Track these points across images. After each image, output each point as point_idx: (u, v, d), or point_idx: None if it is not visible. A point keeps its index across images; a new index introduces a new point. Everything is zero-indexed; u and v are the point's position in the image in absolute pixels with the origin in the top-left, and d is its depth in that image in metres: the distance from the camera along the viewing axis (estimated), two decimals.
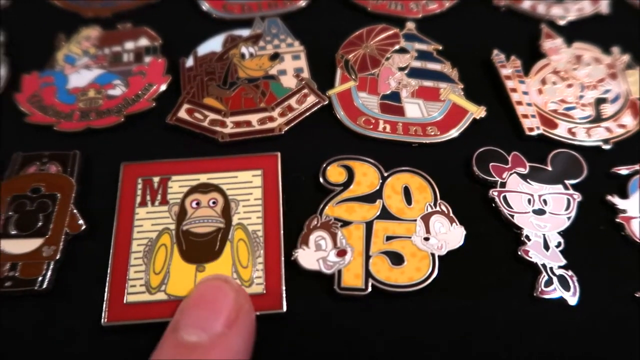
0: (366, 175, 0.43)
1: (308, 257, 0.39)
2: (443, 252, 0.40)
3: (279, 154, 0.44)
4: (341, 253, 0.39)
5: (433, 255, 0.40)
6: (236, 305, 0.30)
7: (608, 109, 0.47)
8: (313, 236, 0.40)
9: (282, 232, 0.40)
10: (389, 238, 0.40)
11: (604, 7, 0.54)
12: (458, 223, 0.40)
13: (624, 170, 0.43)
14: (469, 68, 0.50)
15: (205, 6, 0.55)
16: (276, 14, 0.54)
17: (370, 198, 0.42)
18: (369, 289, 0.38)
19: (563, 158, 0.44)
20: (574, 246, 0.41)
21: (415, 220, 0.41)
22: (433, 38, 0.52)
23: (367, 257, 0.39)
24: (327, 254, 0.39)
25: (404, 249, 0.40)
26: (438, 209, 0.41)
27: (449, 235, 0.40)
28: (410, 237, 0.40)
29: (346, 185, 0.42)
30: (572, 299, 0.38)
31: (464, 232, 0.40)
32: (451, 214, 0.41)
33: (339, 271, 0.39)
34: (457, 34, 0.53)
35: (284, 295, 0.39)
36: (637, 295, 0.38)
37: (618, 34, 0.53)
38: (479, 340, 0.37)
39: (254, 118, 0.46)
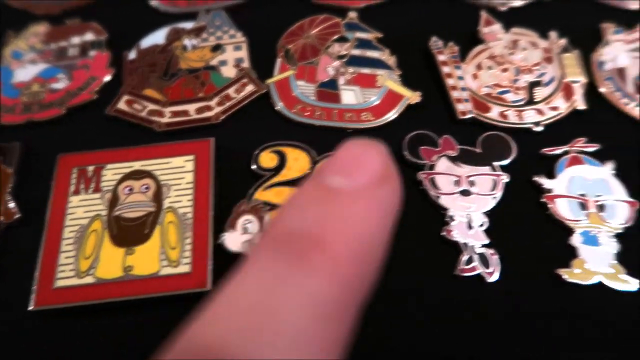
0: (297, 160, 0.43)
1: (234, 240, 0.40)
2: None
3: (212, 139, 0.44)
4: None
5: None
6: (385, 165, 0.26)
7: (541, 92, 0.47)
8: (241, 220, 0.41)
9: (211, 214, 0.41)
10: None
11: None
12: None
13: (552, 151, 0.43)
14: (409, 55, 0.51)
15: (153, 1, 0.55)
16: (222, 7, 0.55)
17: (299, 182, 0.42)
18: None
19: (492, 140, 0.44)
20: (499, 226, 0.41)
21: None
22: (375, 27, 0.52)
23: None
24: (253, 236, 0.40)
25: None
26: None
27: None
28: None
29: (278, 170, 0.43)
30: (491, 276, 0.38)
31: None
32: None
33: None
34: (400, 23, 0.54)
35: (210, 274, 0.39)
36: (557, 273, 0.38)
37: (559, 19, 0.53)
38: (396, 319, 0.37)
39: (191, 108, 0.47)
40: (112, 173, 0.43)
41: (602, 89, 0.47)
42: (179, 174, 0.43)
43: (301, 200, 0.25)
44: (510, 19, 0.53)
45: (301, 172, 0.43)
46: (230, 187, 0.43)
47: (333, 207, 0.24)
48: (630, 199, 0.41)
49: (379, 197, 0.25)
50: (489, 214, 0.41)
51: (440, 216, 0.41)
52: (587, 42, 0.51)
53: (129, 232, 0.41)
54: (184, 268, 0.39)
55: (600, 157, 0.44)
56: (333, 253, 0.22)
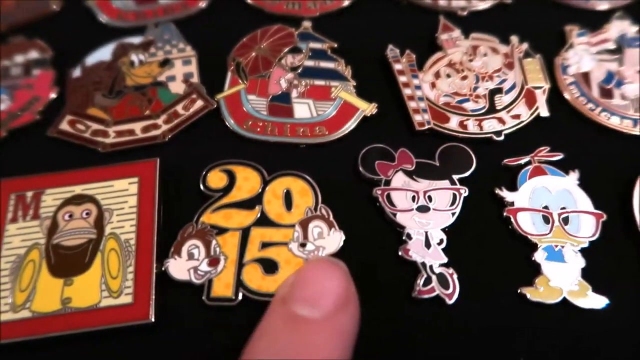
0: (248, 179, 0.41)
1: (179, 267, 0.38)
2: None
3: (157, 160, 0.42)
4: (213, 262, 0.38)
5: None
6: (347, 289, 0.28)
7: (502, 100, 0.45)
8: (186, 245, 0.38)
9: (155, 240, 0.39)
10: (264, 245, 0.39)
11: None
12: (337, 227, 0.39)
13: (514, 162, 0.41)
14: (366, 65, 0.49)
15: (101, 17, 0.53)
16: (172, 19, 0.52)
17: (249, 203, 0.40)
18: (239, 299, 0.36)
19: (451, 152, 0.42)
20: (459, 242, 0.39)
21: (294, 226, 0.39)
22: (331, 36, 0.50)
23: (240, 266, 0.38)
24: (199, 263, 0.37)
25: (279, 256, 0.38)
26: (318, 213, 0.39)
27: (327, 240, 0.38)
28: (287, 243, 0.38)
29: (226, 190, 0.41)
30: (451, 298, 0.36)
31: (343, 237, 0.39)
32: (331, 218, 0.39)
33: (210, 281, 0.37)
34: (356, 31, 0.52)
35: (152, 305, 0.36)
36: (519, 292, 0.36)
37: (520, 23, 0.51)
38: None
39: (137, 126, 0.45)
40: (51, 198, 0.41)
41: (566, 95, 0.45)
42: (121, 197, 0.41)
43: (271, 330, 0.28)
44: (471, 24, 0.51)
45: (251, 193, 0.41)
46: (177, 210, 0.41)
47: (301, 337, 0.27)
48: (596, 211, 0.39)
49: (342, 323, 0.28)
50: (448, 230, 0.39)
51: (397, 234, 0.39)
52: (550, 46, 0.50)
53: (68, 262, 0.39)
54: (125, 299, 0.37)
55: (564, 166, 0.42)
56: None
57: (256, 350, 0.27)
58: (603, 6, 0.52)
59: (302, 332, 0.27)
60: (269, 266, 0.38)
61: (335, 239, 0.39)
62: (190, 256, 0.38)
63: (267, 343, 0.27)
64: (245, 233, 0.39)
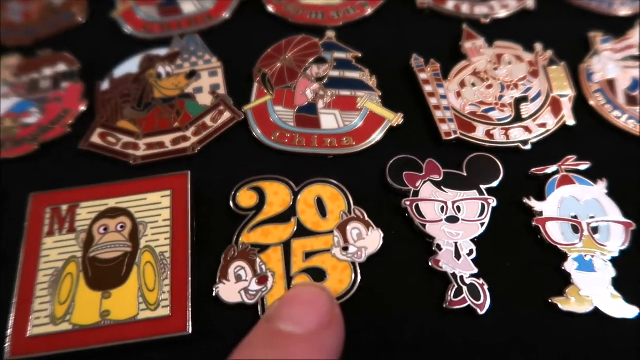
0: (277, 194, 0.42)
1: (229, 290, 0.39)
2: (363, 259, 0.39)
3: (188, 173, 0.43)
4: (262, 280, 0.38)
5: (354, 264, 0.39)
6: (331, 310, 0.30)
7: (528, 108, 0.45)
8: (232, 267, 0.39)
9: (189, 253, 0.39)
10: (308, 255, 0.40)
11: (530, 3, 0.53)
12: (375, 226, 0.39)
13: (541, 171, 0.42)
14: (390, 74, 0.49)
15: (126, 29, 0.54)
16: (196, 31, 0.53)
17: (284, 217, 0.41)
18: None
19: (478, 162, 0.43)
20: (488, 253, 0.39)
21: (332, 232, 0.40)
22: (354, 46, 0.51)
23: (289, 279, 0.38)
24: (248, 283, 0.38)
25: (324, 264, 0.39)
26: (353, 215, 0.40)
27: (367, 240, 0.39)
28: (329, 250, 0.39)
29: (258, 207, 0.42)
30: (482, 309, 0.37)
31: (382, 235, 0.40)
32: (366, 218, 0.40)
33: (262, 299, 0.38)
34: (379, 40, 0.52)
35: (190, 317, 0.37)
36: (550, 302, 0.36)
37: (543, 30, 0.52)
38: (385, 355, 0.36)
39: (167, 139, 0.45)
40: (86, 212, 0.42)
41: (591, 102, 0.45)
42: (155, 210, 0.42)
43: (254, 343, 0.29)
44: (494, 31, 0.52)
45: (284, 206, 0.42)
46: (208, 222, 0.42)
47: (282, 350, 0.28)
48: (625, 220, 0.39)
49: (324, 340, 0.29)
50: (477, 240, 0.39)
51: (427, 245, 0.40)
52: (574, 53, 0.50)
53: (105, 275, 0.40)
54: (163, 311, 0.38)
55: (592, 175, 0.42)
56: None
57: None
58: (625, 12, 0.52)
59: (284, 346, 0.28)
60: (317, 274, 0.39)
61: (375, 238, 0.40)
62: (238, 278, 0.39)
63: (249, 353, 0.29)
64: (286, 247, 0.40)
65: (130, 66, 0.51)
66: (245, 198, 0.42)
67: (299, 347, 0.28)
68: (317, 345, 0.29)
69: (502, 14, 0.53)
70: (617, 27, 0.52)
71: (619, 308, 0.36)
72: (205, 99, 0.48)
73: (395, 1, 0.55)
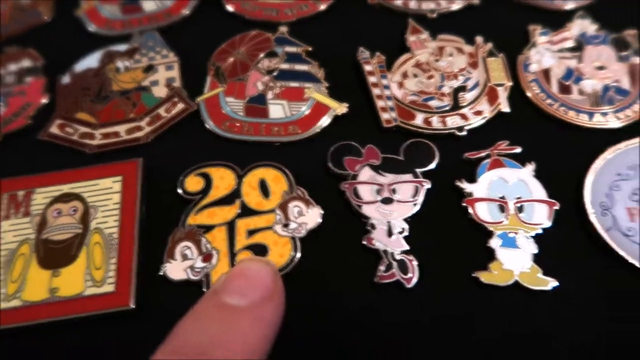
0: (223, 178, 0.44)
1: (175, 269, 0.41)
2: (303, 234, 0.42)
3: (140, 160, 0.45)
4: (207, 258, 0.41)
5: (294, 239, 0.41)
6: (274, 284, 0.32)
7: (466, 97, 0.47)
8: (178, 248, 0.41)
9: (136, 234, 0.42)
10: (251, 233, 0.42)
11: None
12: (315, 203, 0.42)
13: (474, 156, 0.44)
14: (339, 67, 0.52)
15: (90, 26, 0.56)
16: (156, 27, 0.55)
17: (229, 199, 0.43)
18: None
19: (415, 147, 0.45)
20: (420, 232, 0.41)
21: (274, 210, 0.42)
22: (306, 40, 0.53)
23: (233, 256, 0.41)
24: (194, 261, 0.40)
25: (266, 240, 0.42)
26: (294, 194, 0.42)
27: (307, 217, 0.42)
28: (271, 227, 0.41)
29: (205, 191, 0.44)
30: (410, 282, 0.39)
31: (321, 212, 0.42)
32: (307, 197, 0.42)
33: (207, 275, 0.40)
34: (330, 35, 0.54)
35: (133, 293, 0.40)
36: (474, 275, 0.39)
37: (488, 24, 0.54)
38: (320, 327, 0.38)
39: (122, 129, 0.48)
40: (42, 197, 0.44)
41: (527, 91, 0.48)
42: (106, 195, 0.44)
43: (200, 314, 0.31)
44: (440, 25, 0.54)
45: (229, 189, 0.44)
46: (159, 207, 0.44)
47: (226, 321, 0.30)
48: (549, 199, 0.41)
49: (266, 312, 0.31)
50: (410, 220, 0.42)
51: (362, 225, 0.42)
52: (515, 45, 0.52)
53: (55, 255, 0.42)
54: (108, 287, 0.40)
55: (522, 159, 0.44)
56: None
57: (183, 330, 0.30)
58: (568, 6, 0.54)
59: (228, 317, 0.30)
60: (259, 250, 0.42)
61: (314, 214, 0.42)
62: (184, 257, 0.41)
63: (194, 324, 0.30)
64: (231, 226, 0.42)
65: (91, 61, 0.53)
66: (193, 183, 0.44)
67: (243, 319, 0.30)
68: (260, 317, 0.31)
69: (449, 8, 0.55)
70: (560, 21, 0.54)
71: (537, 281, 0.38)
72: (160, 92, 0.50)
73: None
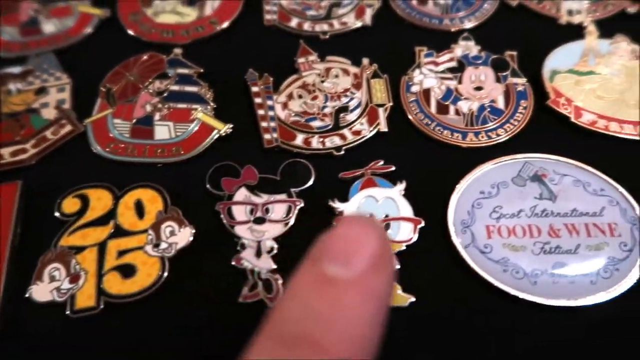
0: (100, 199, 0.45)
1: (42, 291, 0.41)
2: (172, 253, 0.42)
3: (19, 183, 0.45)
4: (74, 279, 0.41)
5: (163, 258, 0.42)
6: (381, 247, 0.27)
7: (346, 117, 0.48)
8: (47, 269, 0.41)
9: (7, 255, 0.42)
10: (121, 253, 0.42)
11: (367, 20, 0.57)
12: (187, 223, 0.43)
13: (349, 175, 0.45)
14: (230, 88, 0.52)
15: None
16: (54, 49, 0.56)
17: (104, 220, 0.44)
18: (101, 306, 0.39)
19: (292, 167, 0.46)
20: (291, 251, 0.42)
21: (147, 230, 0.42)
22: (201, 62, 0.54)
23: (100, 276, 0.41)
24: (61, 282, 0.41)
25: (135, 260, 0.42)
26: (169, 214, 0.43)
27: (179, 236, 0.42)
28: (142, 247, 0.42)
29: (80, 213, 0.44)
30: (271, 300, 0.39)
31: (193, 231, 0.43)
32: (181, 217, 0.43)
33: (72, 296, 0.40)
34: (225, 56, 0.55)
35: None
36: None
37: (378, 45, 0.55)
38: (191, 343, 0.39)
39: (6, 151, 0.48)
40: None
41: (406, 112, 0.49)
42: None
43: (300, 291, 0.27)
44: (333, 47, 0.55)
45: (104, 210, 0.44)
46: (36, 229, 0.44)
47: (331, 299, 0.25)
48: (414, 217, 0.42)
49: (375, 285, 0.26)
50: (281, 239, 0.42)
51: (235, 245, 0.42)
52: (404, 66, 0.53)
53: None
54: None
55: (397, 177, 0.45)
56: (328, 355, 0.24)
57: (285, 310, 0.26)
58: (454, 28, 0.56)
59: (333, 294, 0.26)
60: (128, 270, 0.42)
61: (185, 234, 0.43)
62: (52, 278, 0.41)
63: (295, 307, 0.26)
64: (102, 247, 0.43)
65: None
66: (70, 205, 0.44)
67: (350, 295, 0.25)
68: (369, 291, 0.26)
69: (342, 30, 0.56)
70: (449, 42, 0.55)
71: (396, 298, 0.39)
72: (50, 114, 0.51)
73: (244, 19, 0.58)
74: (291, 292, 0.27)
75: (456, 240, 0.41)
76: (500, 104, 0.49)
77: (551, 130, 0.49)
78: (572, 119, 0.48)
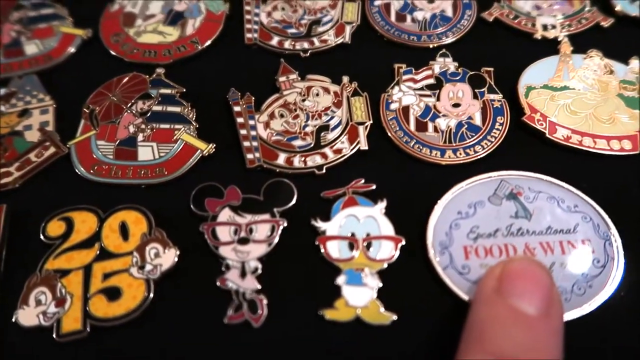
0: (85, 222, 0.45)
1: (28, 315, 0.42)
2: (157, 275, 0.43)
3: (3, 206, 0.46)
4: (60, 303, 0.41)
5: (148, 280, 0.42)
6: (553, 288, 0.31)
7: (327, 136, 0.49)
8: (33, 294, 0.42)
9: None
10: (107, 276, 0.42)
11: (347, 37, 0.58)
12: (172, 245, 0.43)
13: (331, 194, 0.46)
14: (213, 107, 0.53)
15: None
16: (36, 71, 0.56)
17: (88, 243, 0.44)
18: (88, 329, 0.40)
19: (275, 187, 0.46)
20: (274, 270, 0.43)
21: (132, 253, 0.43)
22: (183, 81, 0.55)
23: (86, 300, 0.41)
24: (47, 307, 0.41)
25: (121, 282, 0.42)
26: (153, 236, 0.43)
27: (163, 258, 0.43)
28: (127, 270, 0.42)
29: (65, 236, 0.45)
30: (257, 321, 0.40)
31: (177, 252, 0.44)
32: (165, 238, 0.43)
33: (58, 320, 0.41)
34: (207, 75, 0.56)
35: None
36: (320, 314, 0.40)
37: (357, 63, 0.56)
38: None
39: None
40: None
41: (386, 129, 0.50)
42: None
43: (498, 322, 0.30)
44: (313, 65, 0.56)
45: (89, 233, 0.45)
46: (21, 252, 0.44)
47: (530, 334, 0.29)
48: (395, 236, 0.43)
49: (557, 323, 0.30)
50: (265, 259, 0.43)
51: (219, 266, 0.43)
52: (382, 84, 0.54)
53: None
54: None
55: (377, 196, 0.46)
56: None
57: (489, 332, 0.29)
58: (432, 45, 0.57)
59: (528, 327, 0.29)
60: (113, 293, 0.43)
61: (170, 255, 0.44)
62: (38, 302, 0.42)
63: (497, 327, 0.29)
64: (87, 270, 0.43)
65: None
66: (54, 228, 0.45)
67: (541, 330, 0.29)
68: (552, 327, 0.29)
69: (322, 48, 0.57)
70: (428, 59, 0.56)
71: (378, 316, 0.40)
72: (33, 136, 0.51)
73: (225, 38, 0.59)
74: (488, 321, 0.30)
75: (435, 262, 0.42)
76: (478, 120, 0.50)
77: (527, 146, 0.50)
78: (547, 135, 0.49)
